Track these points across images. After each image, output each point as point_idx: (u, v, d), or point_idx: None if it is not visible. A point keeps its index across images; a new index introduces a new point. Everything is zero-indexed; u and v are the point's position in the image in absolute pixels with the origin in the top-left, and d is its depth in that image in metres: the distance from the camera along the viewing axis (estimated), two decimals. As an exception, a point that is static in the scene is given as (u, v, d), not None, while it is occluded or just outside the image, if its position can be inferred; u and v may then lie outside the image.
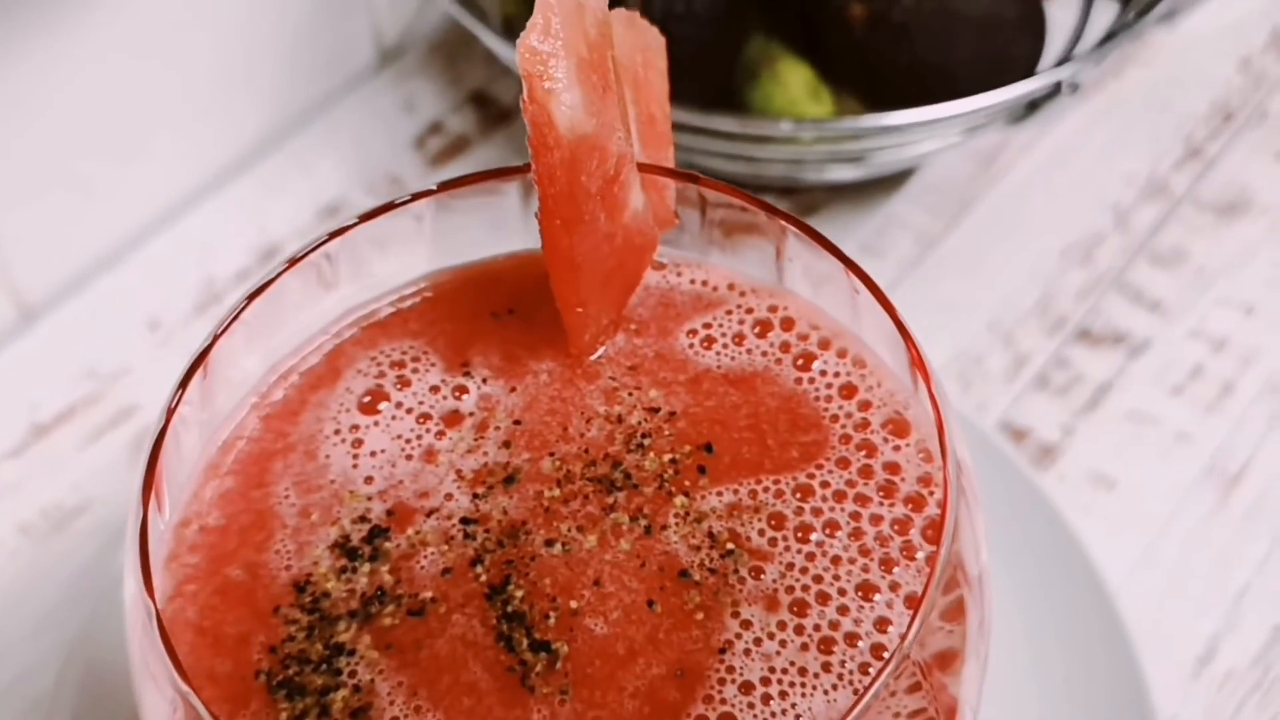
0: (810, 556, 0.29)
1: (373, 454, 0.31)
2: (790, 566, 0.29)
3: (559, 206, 0.28)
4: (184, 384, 0.27)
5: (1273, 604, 0.46)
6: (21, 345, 0.53)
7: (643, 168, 0.30)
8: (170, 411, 0.27)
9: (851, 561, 0.29)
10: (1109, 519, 0.48)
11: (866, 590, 0.28)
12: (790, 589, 0.28)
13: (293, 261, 0.29)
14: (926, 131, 0.48)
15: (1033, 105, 0.50)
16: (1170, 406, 0.51)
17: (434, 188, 0.31)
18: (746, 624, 0.28)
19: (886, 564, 0.29)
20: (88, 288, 0.54)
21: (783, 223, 0.30)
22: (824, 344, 0.32)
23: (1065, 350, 0.52)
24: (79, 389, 0.52)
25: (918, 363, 0.27)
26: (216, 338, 0.28)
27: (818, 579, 0.28)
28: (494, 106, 0.59)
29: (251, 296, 0.29)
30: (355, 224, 0.30)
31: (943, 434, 0.26)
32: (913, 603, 0.27)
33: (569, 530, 0.29)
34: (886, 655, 0.26)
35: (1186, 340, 0.52)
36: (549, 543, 0.29)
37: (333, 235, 0.30)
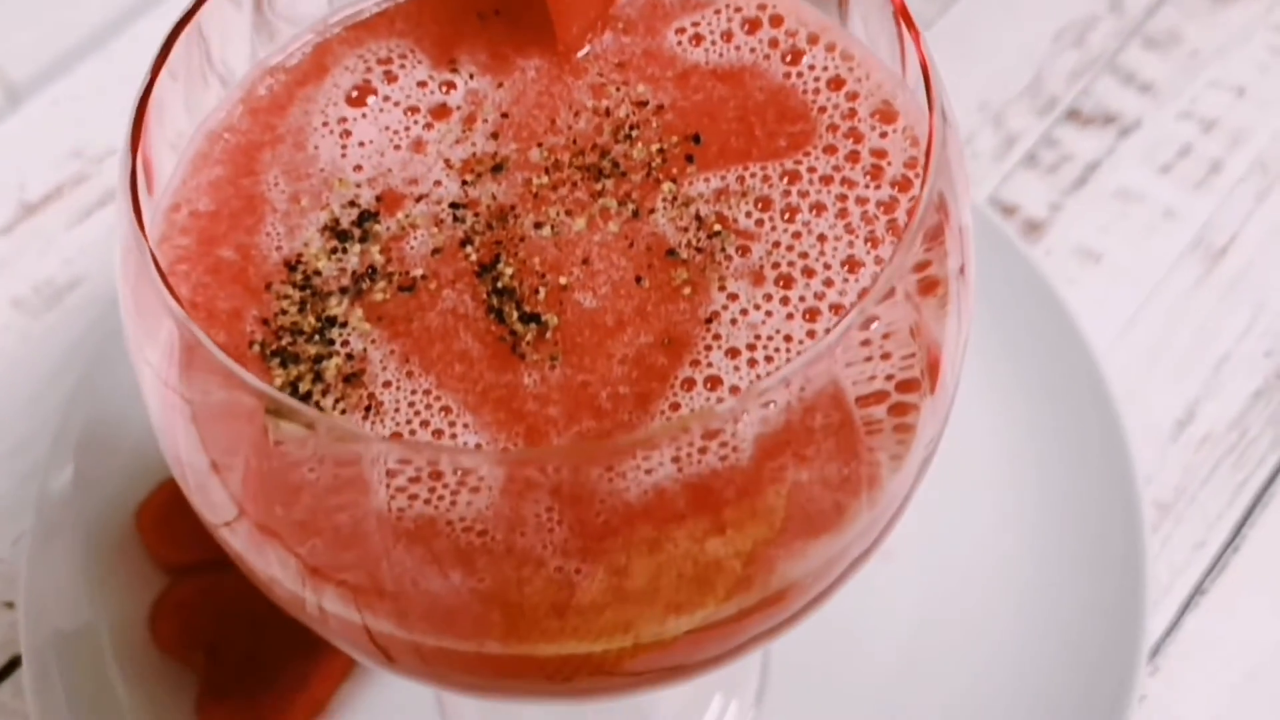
0: (796, 235, 0.29)
1: (361, 144, 0.31)
2: (776, 245, 0.29)
3: (546, -128, 0.28)
4: (166, 50, 0.27)
5: (1251, 371, 0.47)
6: (8, 126, 0.53)
7: None
8: (156, 68, 0.27)
9: (837, 239, 0.29)
10: (1095, 290, 0.49)
11: (852, 265, 0.29)
12: (776, 265, 0.29)
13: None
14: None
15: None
16: (1158, 184, 0.51)
17: None
18: (733, 297, 0.28)
19: (872, 241, 0.29)
20: (74, 70, 0.54)
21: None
22: (812, 40, 0.32)
23: (1055, 130, 0.52)
24: (66, 169, 0.52)
25: (901, 9, 0.27)
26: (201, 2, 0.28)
27: (803, 255, 0.29)
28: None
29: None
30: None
31: (929, 80, 0.26)
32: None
33: (557, 214, 0.29)
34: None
35: (1176, 121, 0.52)
36: (538, 225, 0.29)
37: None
